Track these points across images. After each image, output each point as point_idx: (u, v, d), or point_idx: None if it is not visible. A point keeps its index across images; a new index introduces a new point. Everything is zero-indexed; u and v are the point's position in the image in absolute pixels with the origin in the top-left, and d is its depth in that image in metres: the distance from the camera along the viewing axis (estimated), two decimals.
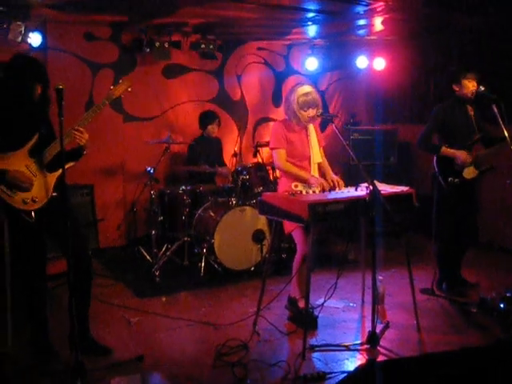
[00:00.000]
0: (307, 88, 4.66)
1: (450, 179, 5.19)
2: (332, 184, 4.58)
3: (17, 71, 3.90)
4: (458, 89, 5.25)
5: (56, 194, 3.96)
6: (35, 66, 3.98)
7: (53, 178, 3.95)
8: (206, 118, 7.12)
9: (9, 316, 4.28)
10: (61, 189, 3.96)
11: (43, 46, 6.43)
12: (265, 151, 7.25)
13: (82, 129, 3.92)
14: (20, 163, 3.78)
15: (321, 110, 4.65)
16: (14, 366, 4.00)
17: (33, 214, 3.84)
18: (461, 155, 5.13)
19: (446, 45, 7.59)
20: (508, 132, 4.80)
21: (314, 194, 4.32)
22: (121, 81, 4.20)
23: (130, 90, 4.20)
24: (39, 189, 3.87)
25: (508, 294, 4.91)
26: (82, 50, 6.97)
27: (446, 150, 5.20)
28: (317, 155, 4.80)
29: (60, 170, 3.84)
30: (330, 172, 4.86)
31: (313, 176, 4.65)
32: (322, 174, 4.87)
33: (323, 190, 4.42)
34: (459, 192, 5.22)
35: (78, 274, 3.90)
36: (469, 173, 5.19)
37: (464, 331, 4.59)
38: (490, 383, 2.60)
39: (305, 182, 4.59)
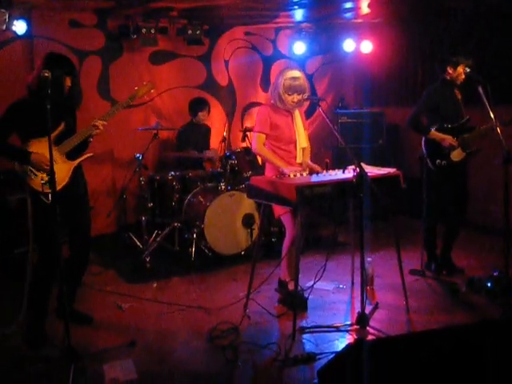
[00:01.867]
0: (296, 73, 4.65)
1: (437, 161, 5.24)
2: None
3: (50, 66, 4.04)
4: (451, 71, 5.26)
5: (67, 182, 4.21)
6: (66, 61, 4.24)
7: (71, 165, 4.23)
8: (197, 105, 7.11)
9: (25, 298, 4.32)
10: (80, 176, 4.36)
11: (28, 34, 6.38)
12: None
13: (101, 124, 4.24)
14: (44, 148, 3.92)
15: (308, 94, 4.66)
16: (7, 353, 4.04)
17: (49, 196, 4.01)
18: (447, 139, 5.18)
19: (432, 28, 7.59)
20: (494, 113, 4.85)
21: (301, 176, 4.34)
22: (145, 83, 4.62)
23: (152, 91, 4.68)
24: (58, 174, 3.97)
25: (495, 274, 4.99)
26: (68, 38, 6.92)
27: (434, 133, 5.23)
28: (303, 140, 4.82)
29: (78, 160, 4.26)
30: (308, 159, 4.89)
31: (287, 165, 4.65)
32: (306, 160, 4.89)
33: (310, 173, 4.44)
34: (447, 174, 5.27)
35: (79, 255, 4.38)
36: (456, 155, 5.23)
37: (452, 310, 4.65)
38: (477, 360, 2.65)
39: (279, 169, 4.59)
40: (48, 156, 3.89)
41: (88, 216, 4.55)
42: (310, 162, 4.85)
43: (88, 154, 4.35)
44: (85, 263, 4.53)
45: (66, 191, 4.14)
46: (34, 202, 4.14)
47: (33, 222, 4.20)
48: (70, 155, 4.23)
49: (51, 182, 3.65)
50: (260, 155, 4.79)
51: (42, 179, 4.04)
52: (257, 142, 4.73)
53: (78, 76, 4.25)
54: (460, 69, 5.22)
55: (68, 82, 4.20)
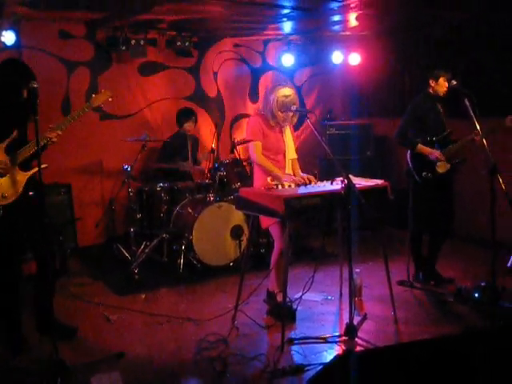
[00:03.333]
0: (288, 90, 4.66)
1: (424, 174, 5.29)
2: (303, 181, 4.62)
3: (5, 74, 4.03)
4: (433, 85, 5.34)
5: (32, 193, 4.09)
6: (22, 69, 4.11)
7: (24, 176, 4.08)
8: (183, 115, 7.13)
9: None
10: (34, 188, 4.13)
11: (17, 45, 6.38)
12: (242, 147, 7.27)
13: (54, 135, 4.08)
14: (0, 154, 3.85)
15: (295, 106, 4.69)
16: None
17: (0, 209, 3.93)
18: (435, 153, 5.24)
19: (420, 40, 7.68)
20: (480, 125, 4.91)
21: (289, 188, 4.35)
22: (103, 90, 4.46)
23: (110, 99, 4.46)
24: (10, 185, 3.96)
25: (483, 284, 5.02)
26: (57, 49, 6.93)
27: (421, 148, 5.29)
28: (291, 151, 4.86)
29: (32, 170, 4.07)
30: (299, 170, 4.92)
31: (286, 174, 4.69)
32: (295, 172, 4.92)
33: (298, 185, 4.46)
34: (433, 186, 5.33)
35: (42, 267, 4.21)
36: (441, 167, 5.29)
37: (440, 321, 4.67)
38: (465, 370, 2.66)
39: (277, 178, 4.61)
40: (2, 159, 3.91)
41: (43, 228, 4.27)
42: (301, 173, 4.87)
43: (43, 165, 4.04)
44: (48, 275, 4.30)
45: (19, 203, 4.03)
46: None
47: None
48: (24, 166, 4.07)
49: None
50: (259, 165, 4.77)
51: None
52: (255, 151, 4.71)
53: (37, 85, 3.99)
54: (441, 81, 5.29)
55: (24, 93, 4.03)
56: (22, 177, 4.07)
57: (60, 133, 4.11)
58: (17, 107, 4.07)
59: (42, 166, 4.02)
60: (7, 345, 4.17)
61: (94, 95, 4.39)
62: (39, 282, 4.26)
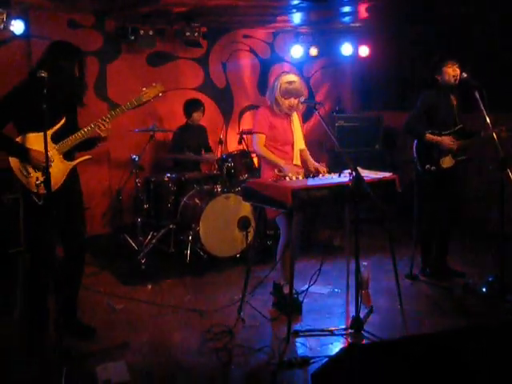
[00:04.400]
0: (292, 77, 4.67)
1: (426, 166, 5.24)
2: (315, 171, 4.61)
3: (56, 53, 3.95)
4: (439, 78, 5.26)
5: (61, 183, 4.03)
6: (73, 49, 4.03)
7: (68, 166, 4.04)
8: (191, 106, 7.11)
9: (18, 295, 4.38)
10: (75, 179, 4.14)
11: (26, 34, 6.37)
12: (250, 138, 7.25)
13: (106, 121, 4.05)
14: (42, 145, 3.73)
15: (304, 98, 4.66)
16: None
17: (41, 197, 3.88)
18: (444, 140, 5.17)
19: (430, 32, 7.60)
20: (490, 119, 4.85)
21: (297, 179, 4.33)
22: (154, 84, 4.31)
23: (161, 95, 4.34)
24: (53, 174, 3.83)
25: (490, 279, 4.99)
26: (66, 38, 6.74)
27: (430, 137, 5.22)
28: (300, 142, 4.85)
29: (76, 161, 4.09)
30: (311, 159, 4.89)
31: (288, 164, 4.66)
32: (303, 162, 4.90)
33: (306, 177, 4.44)
34: (436, 179, 5.27)
35: (74, 259, 4.16)
36: (445, 161, 5.23)
37: (447, 315, 4.64)
38: (472, 364, 2.64)
39: (279, 168, 4.59)
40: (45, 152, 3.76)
41: (83, 219, 4.34)
42: (314, 162, 4.85)
43: (86, 157, 4.18)
44: (80, 267, 4.29)
45: (60, 193, 3.95)
46: (26, 203, 3.96)
47: (24, 223, 4.10)
48: (68, 155, 4.03)
49: (47, 182, 3.56)
50: (261, 155, 4.78)
51: (36, 179, 3.84)
52: (257, 143, 4.72)
53: (85, 67, 4.02)
54: (446, 70, 5.17)
55: (76, 72, 3.99)
56: (65, 166, 4.02)
57: (107, 125, 4.05)
58: (66, 93, 3.99)
59: (87, 156, 4.18)
60: (28, 341, 4.13)
61: (144, 89, 4.25)
62: (67, 273, 4.18)
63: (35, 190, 3.87)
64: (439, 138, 5.19)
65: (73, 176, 4.11)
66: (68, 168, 4.05)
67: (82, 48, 4.13)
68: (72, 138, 3.99)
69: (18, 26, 6.12)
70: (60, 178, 3.99)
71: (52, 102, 3.74)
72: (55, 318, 4.09)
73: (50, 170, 3.69)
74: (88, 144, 4.16)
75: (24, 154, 3.84)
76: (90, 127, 4.00)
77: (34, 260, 4.05)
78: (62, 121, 3.96)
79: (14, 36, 6.27)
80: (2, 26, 5.91)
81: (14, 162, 3.88)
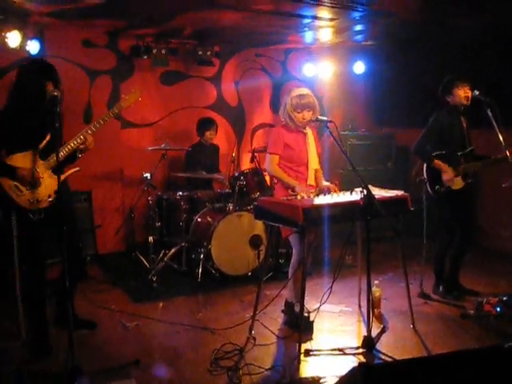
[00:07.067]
0: (303, 90, 4.70)
1: (436, 187, 5.23)
2: (327, 190, 4.61)
3: (29, 71, 4.07)
4: (450, 99, 5.26)
5: (53, 197, 4.10)
6: (45, 66, 4.16)
7: (56, 180, 4.02)
8: (204, 125, 7.16)
9: (20, 309, 4.37)
10: (58, 192, 4.09)
11: (41, 53, 6.44)
12: (262, 157, 7.27)
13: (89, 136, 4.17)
14: (30, 163, 3.93)
15: (317, 115, 4.66)
16: (13, 364, 4.02)
17: (35, 214, 3.99)
18: (447, 173, 5.18)
19: (443, 50, 7.60)
20: (502, 135, 4.84)
21: (308, 198, 4.32)
22: (133, 90, 4.51)
23: (140, 99, 4.53)
24: (44, 189, 3.99)
25: (505, 298, 4.93)
26: (80, 57, 7.01)
27: (437, 163, 5.22)
28: (314, 161, 4.84)
29: (64, 174, 4.13)
30: (322, 180, 4.90)
31: (300, 184, 4.65)
32: (318, 181, 4.89)
33: (317, 195, 4.44)
34: (447, 199, 5.26)
35: (72, 270, 4.01)
36: (456, 183, 5.21)
37: (461, 335, 4.58)
38: None
39: (292, 189, 4.59)
40: (35, 171, 3.97)
41: (75, 231, 4.41)
42: (325, 182, 4.86)
43: (74, 169, 4.26)
44: (77, 276, 4.39)
45: (53, 207, 4.07)
46: (20, 220, 4.07)
47: (19, 240, 4.16)
48: (57, 170, 4.02)
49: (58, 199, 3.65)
50: (274, 176, 4.79)
51: (29, 199, 3.99)
52: (271, 163, 4.73)
53: (58, 94, 3.96)
54: (458, 92, 5.19)
55: (50, 87, 4.02)
56: (55, 180, 4.04)
57: (90, 133, 4.16)
58: (44, 106, 4.02)
59: (75, 169, 4.25)
60: (32, 347, 4.21)
61: (123, 95, 4.46)
62: (65, 286, 4.13)
63: (29, 207, 4.00)
64: (445, 168, 5.19)
65: (65, 189, 4.21)
66: (56, 182, 3.99)
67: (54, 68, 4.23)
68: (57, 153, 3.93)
69: (33, 46, 6.21)
70: (51, 192, 4.10)
71: (36, 119, 3.95)
72: (54, 316, 4.34)
73: (41, 186, 3.92)
74: (71, 157, 4.22)
75: (11, 172, 3.95)
76: (76, 141, 4.12)
77: (31, 273, 4.17)
78: (48, 137, 4.05)
79: (29, 55, 6.34)
80: (18, 46, 5.98)
81: (6, 181, 3.99)
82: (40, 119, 4.02)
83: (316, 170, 4.91)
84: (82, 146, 4.16)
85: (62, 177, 4.07)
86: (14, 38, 5.87)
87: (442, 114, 5.31)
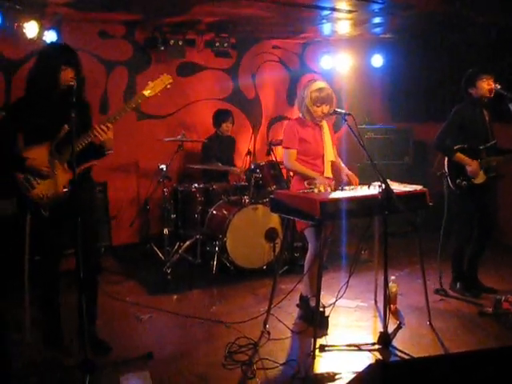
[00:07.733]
0: (321, 84, 4.64)
1: (457, 181, 5.15)
2: (346, 182, 4.56)
3: (45, 54, 3.88)
4: (473, 92, 5.17)
5: (67, 189, 3.90)
6: (62, 49, 3.90)
7: (71, 175, 3.80)
8: (220, 116, 7.12)
9: (27, 305, 4.35)
10: (73, 185, 3.87)
11: None
12: (278, 149, 7.22)
13: (107, 126, 3.87)
14: (44, 155, 3.78)
15: (334, 108, 4.61)
16: (27, 359, 4.02)
17: (46, 209, 3.87)
18: (472, 166, 5.09)
19: (462, 43, 7.49)
20: None
21: (325, 191, 4.27)
22: (163, 75, 4.14)
23: (169, 86, 4.15)
24: (56, 185, 3.85)
25: None
26: (97, 48, 7.00)
27: (460, 156, 5.13)
28: (330, 153, 4.78)
29: (80, 169, 3.87)
30: (345, 168, 4.85)
31: (320, 176, 4.61)
32: (335, 173, 4.84)
33: (335, 189, 4.38)
34: (468, 194, 5.18)
35: (85, 270, 3.84)
36: (478, 177, 5.13)
37: (478, 332, 4.51)
38: None
39: (312, 180, 4.53)
40: (45, 161, 3.80)
41: (93, 227, 4.15)
42: (347, 170, 4.82)
43: (91, 163, 3.99)
44: (92, 276, 4.15)
45: (66, 202, 3.83)
46: (33, 215, 3.95)
47: (32, 234, 4.11)
48: (71, 163, 3.76)
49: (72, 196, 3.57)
50: (294, 171, 4.76)
51: (40, 193, 3.80)
52: (288, 159, 4.69)
53: (81, 67, 3.84)
54: (482, 84, 5.09)
55: (69, 74, 3.78)
56: (70, 175, 3.84)
57: (110, 126, 3.86)
58: (61, 93, 3.80)
59: (90, 163, 4.01)
60: (45, 338, 4.20)
61: (150, 82, 4.03)
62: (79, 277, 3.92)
63: (39, 202, 3.83)
64: (468, 161, 5.10)
65: (84, 184, 3.97)
66: (71, 177, 3.81)
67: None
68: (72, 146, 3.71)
69: (50, 37, 6.20)
70: (64, 187, 3.87)
71: (51, 110, 3.78)
72: (78, 326, 4.02)
73: (54, 179, 3.75)
74: (96, 152, 3.97)
75: (20, 163, 3.77)
76: (88, 135, 3.81)
77: (42, 266, 4.11)
78: (64, 129, 3.79)
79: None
80: (36, 36, 5.98)
81: (18, 175, 3.83)
82: (55, 109, 3.82)
83: (333, 162, 4.85)
84: (97, 140, 3.85)
85: (78, 171, 3.76)
86: (31, 29, 5.84)
87: (464, 107, 5.21)
